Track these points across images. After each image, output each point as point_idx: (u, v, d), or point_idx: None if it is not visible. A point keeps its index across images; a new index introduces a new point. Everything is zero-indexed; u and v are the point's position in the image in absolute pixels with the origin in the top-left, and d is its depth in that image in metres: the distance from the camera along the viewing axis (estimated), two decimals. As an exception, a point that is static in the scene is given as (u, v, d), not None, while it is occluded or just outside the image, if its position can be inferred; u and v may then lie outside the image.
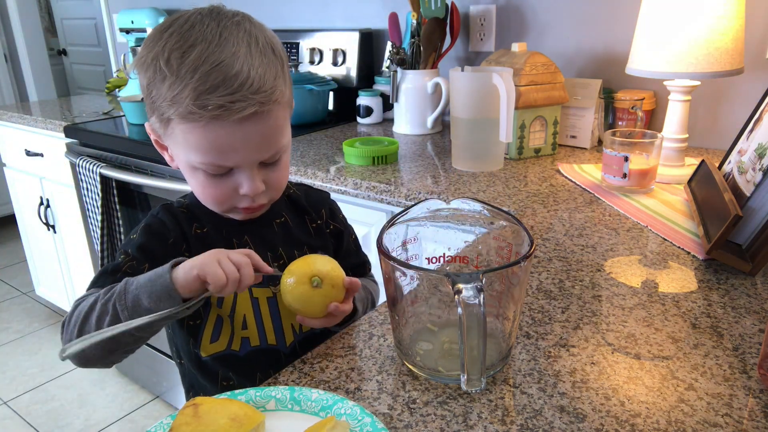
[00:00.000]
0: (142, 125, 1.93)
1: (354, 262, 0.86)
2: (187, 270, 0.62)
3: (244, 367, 0.77)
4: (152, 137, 0.71)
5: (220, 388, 0.78)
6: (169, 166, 0.73)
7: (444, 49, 1.70)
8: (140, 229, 0.73)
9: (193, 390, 0.82)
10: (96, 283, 0.70)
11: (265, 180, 0.69)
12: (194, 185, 0.70)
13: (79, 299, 0.67)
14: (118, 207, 1.81)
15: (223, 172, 0.67)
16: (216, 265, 0.61)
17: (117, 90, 2.62)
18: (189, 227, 0.75)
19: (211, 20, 0.63)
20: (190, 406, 0.50)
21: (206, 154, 0.64)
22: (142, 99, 0.71)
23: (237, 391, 0.56)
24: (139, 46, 2.37)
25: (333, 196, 1.29)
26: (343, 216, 0.88)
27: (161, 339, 1.91)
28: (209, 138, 0.63)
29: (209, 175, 0.67)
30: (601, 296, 0.74)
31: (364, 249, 1.30)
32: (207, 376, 0.78)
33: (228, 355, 0.76)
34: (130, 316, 0.62)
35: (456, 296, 0.50)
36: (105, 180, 1.76)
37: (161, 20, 2.36)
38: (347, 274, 0.71)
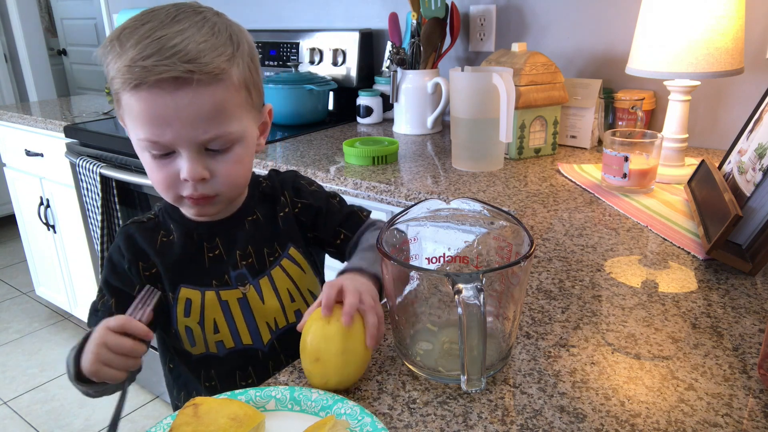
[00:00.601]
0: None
1: (339, 219, 0.82)
2: (89, 373, 0.64)
3: (225, 367, 0.77)
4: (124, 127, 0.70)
5: (204, 389, 0.78)
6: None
7: (444, 49, 1.70)
8: (105, 261, 0.76)
9: (185, 390, 0.82)
10: (89, 323, 0.74)
11: (212, 170, 0.66)
12: (146, 171, 0.69)
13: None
14: (118, 207, 1.81)
15: (165, 153, 0.65)
16: (106, 369, 0.62)
17: (117, 90, 2.62)
18: (151, 241, 0.74)
19: (174, 7, 0.65)
20: (190, 406, 0.51)
21: (144, 126, 0.63)
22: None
23: (237, 391, 0.56)
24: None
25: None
26: (316, 187, 0.83)
27: (161, 339, 1.91)
28: (144, 107, 0.62)
29: (154, 158, 0.66)
30: (601, 296, 0.74)
31: (364, 249, 1.30)
32: (196, 376, 0.79)
33: (209, 356, 0.77)
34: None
35: (456, 296, 0.50)
36: (105, 180, 1.76)
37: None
38: (337, 234, 0.77)
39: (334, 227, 0.81)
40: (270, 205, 0.79)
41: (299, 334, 0.62)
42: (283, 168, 1.36)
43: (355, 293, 0.59)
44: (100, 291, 0.75)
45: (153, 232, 0.75)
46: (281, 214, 0.79)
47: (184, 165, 0.65)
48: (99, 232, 1.84)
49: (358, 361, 0.57)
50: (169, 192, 0.68)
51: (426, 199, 0.67)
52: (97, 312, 0.74)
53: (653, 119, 1.47)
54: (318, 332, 0.57)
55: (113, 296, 0.74)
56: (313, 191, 0.83)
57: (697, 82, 1.16)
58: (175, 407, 0.85)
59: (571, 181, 1.20)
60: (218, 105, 0.64)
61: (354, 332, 0.57)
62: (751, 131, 0.93)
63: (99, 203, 1.79)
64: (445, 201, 0.67)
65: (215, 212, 0.73)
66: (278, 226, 0.79)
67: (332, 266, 1.27)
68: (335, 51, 1.94)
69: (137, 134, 0.65)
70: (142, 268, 0.74)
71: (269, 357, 0.78)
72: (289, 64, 1.94)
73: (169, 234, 0.75)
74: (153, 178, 0.68)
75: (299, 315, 0.79)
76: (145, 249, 0.74)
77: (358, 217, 0.83)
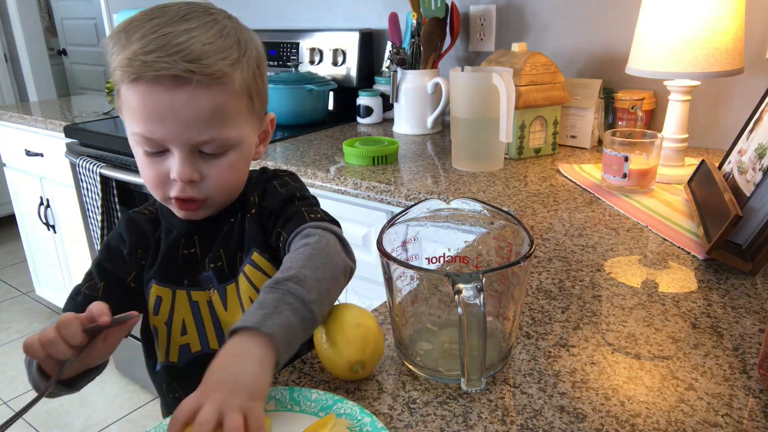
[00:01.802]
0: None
1: (283, 219, 0.70)
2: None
3: (187, 376, 0.72)
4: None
5: (169, 401, 0.76)
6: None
7: (444, 49, 1.70)
8: (102, 245, 0.74)
9: (172, 396, 0.77)
10: (67, 305, 0.69)
11: (203, 173, 0.64)
12: (139, 167, 0.67)
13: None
14: (118, 207, 1.81)
15: (157, 150, 0.64)
16: (33, 347, 0.55)
17: (117, 90, 2.62)
18: (151, 231, 0.73)
19: (187, 6, 0.63)
20: None
21: (139, 121, 0.62)
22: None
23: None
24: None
25: (333, 196, 1.31)
26: (287, 188, 0.74)
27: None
28: (140, 102, 0.61)
29: (147, 155, 0.64)
30: (601, 296, 0.74)
31: (363, 249, 1.30)
32: (159, 387, 0.77)
33: (169, 366, 0.74)
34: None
35: (456, 296, 0.50)
36: (105, 180, 1.76)
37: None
38: (277, 235, 0.69)
39: (276, 228, 0.71)
40: (245, 210, 0.74)
41: None
42: (283, 168, 1.36)
43: (212, 412, 0.44)
44: (88, 275, 0.72)
45: (153, 225, 0.74)
46: (248, 215, 0.73)
47: (174, 165, 0.63)
48: (99, 232, 1.84)
49: None
50: (158, 191, 0.66)
51: (426, 199, 0.67)
52: (78, 295, 0.70)
53: (653, 119, 1.47)
54: None
55: (103, 280, 0.71)
56: (279, 192, 0.73)
57: (697, 82, 1.16)
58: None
59: (571, 181, 1.20)
60: (216, 108, 0.62)
61: None
62: (751, 131, 0.93)
63: (99, 203, 1.79)
64: (445, 201, 0.67)
65: (201, 216, 0.71)
66: (245, 230, 0.73)
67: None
68: (335, 51, 1.94)
69: (132, 128, 0.63)
70: (140, 256, 0.73)
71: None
72: (289, 64, 1.94)
73: (159, 230, 0.74)
74: (144, 174, 0.66)
75: None
76: (147, 237, 0.73)
77: (302, 217, 0.69)
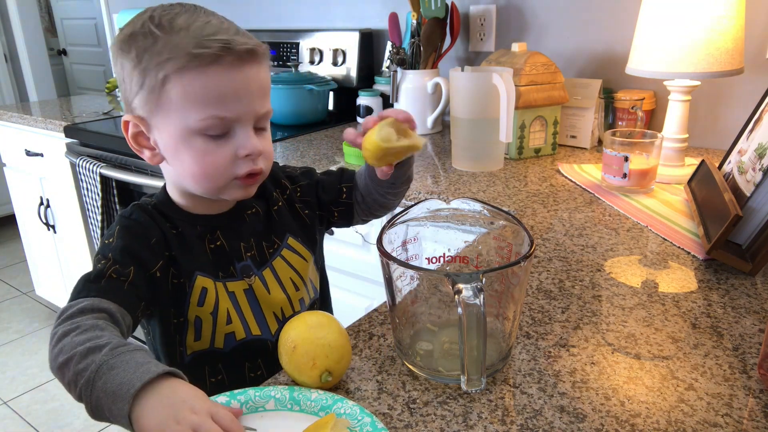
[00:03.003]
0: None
1: (335, 177, 0.85)
2: (144, 426, 0.49)
3: (232, 360, 0.76)
4: (131, 132, 0.68)
5: (209, 385, 0.76)
6: (149, 165, 0.72)
7: (444, 49, 1.70)
8: (117, 232, 0.70)
9: None
10: (80, 293, 0.64)
11: (261, 147, 0.68)
12: (190, 160, 0.66)
13: (64, 317, 0.60)
14: (118, 207, 1.81)
15: (223, 132, 0.65)
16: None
17: (117, 90, 2.62)
18: (165, 226, 0.72)
19: (180, 5, 0.67)
20: None
21: (207, 105, 0.63)
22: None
23: (236, 391, 0.56)
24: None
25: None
26: (300, 168, 0.86)
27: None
28: (211, 85, 0.62)
29: (209, 139, 0.65)
30: (601, 296, 0.74)
31: (363, 249, 1.30)
32: (193, 375, 0.77)
33: (212, 352, 0.75)
34: (89, 408, 0.52)
35: (456, 296, 0.50)
36: (105, 180, 1.76)
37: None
38: (340, 191, 0.82)
39: (335, 187, 0.84)
40: (263, 200, 0.79)
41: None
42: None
43: None
44: (107, 259, 0.66)
45: (163, 220, 0.73)
46: (275, 207, 0.79)
47: (245, 141, 0.66)
48: (99, 232, 1.84)
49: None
50: (224, 174, 0.67)
51: (426, 199, 0.67)
52: (101, 279, 0.64)
53: (653, 119, 1.47)
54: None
55: (132, 265, 0.66)
56: (303, 172, 0.85)
57: (697, 82, 1.16)
58: None
59: (571, 181, 1.20)
60: (268, 81, 0.68)
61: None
62: (751, 131, 0.93)
63: (99, 203, 1.79)
64: (445, 201, 0.67)
65: (253, 192, 0.73)
66: (274, 219, 0.79)
67: (333, 267, 1.26)
68: (335, 51, 1.94)
69: (192, 118, 0.63)
70: (164, 246, 0.71)
71: (275, 348, 0.73)
72: (289, 64, 1.94)
73: (175, 226, 0.73)
74: (207, 161, 0.66)
75: (303, 304, 0.80)
76: (165, 232, 0.72)
77: (349, 171, 0.86)
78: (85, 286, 0.65)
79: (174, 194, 0.74)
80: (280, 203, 0.80)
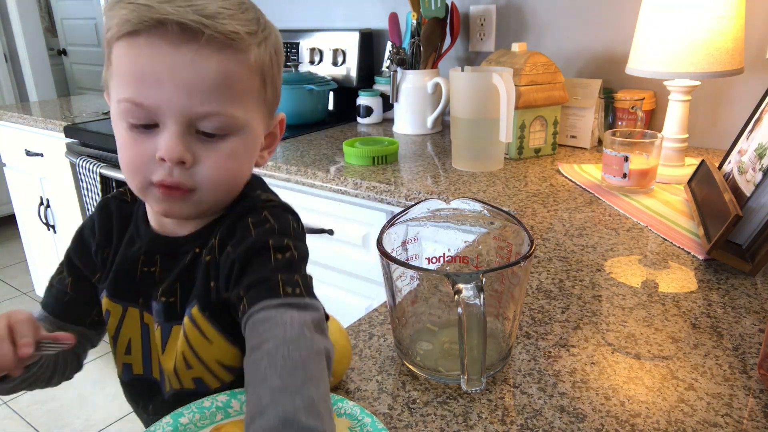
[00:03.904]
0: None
1: (251, 279, 0.53)
2: None
3: (129, 391, 0.67)
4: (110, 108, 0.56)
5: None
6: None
7: (444, 49, 1.70)
8: (75, 232, 0.64)
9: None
10: (44, 300, 0.65)
11: (198, 156, 0.53)
12: (118, 147, 0.55)
13: None
14: (118, 207, 1.81)
15: (144, 123, 0.52)
16: None
17: (117, 90, 2.62)
18: (119, 230, 0.62)
19: None
20: None
21: (129, 83, 0.51)
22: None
23: (236, 391, 0.56)
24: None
25: (333, 196, 1.31)
26: (262, 231, 0.55)
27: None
28: (134, 59, 0.51)
29: (131, 128, 0.53)
30: (601, 296, 0.74)
31: (363, 249, 1.30)
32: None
33: (119, 378, 0.67)
34: None
35: (456, 296, 0.50)
36: (105, 180, 1.76)
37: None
38: (239, 299, 0.52)
39: (238, 289, 0.53)
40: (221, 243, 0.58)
41: (192, 399, 0.55)
42: (283, 168, 1.36)
43: None
44: (60, 265, 0.65)
45: (124, 221, 0.62)
46: (207, 257, 0.57)
47: (163, 140, 0.51)
48: (99, 232, 1.83)
49: None
50: (138, 175, 0.54)
51: (426, 199, 0.67)
52: (52, 288, 0.64)
53: (653, 119, 1.47)
54: None
55: (71, 275, 0.64)
56: (248, 236, 0.55)
57: (697, 82, 1.16)
58: None
59: (571, 181, 1.20)
60: (225, 77, 0.52)
61: None
62: (751, 131, 0.93)
63: (99, 203, 1.79)
64: (445, 201, 0.67)
65: (185, 214, 0.57)
66: (196, 272, 0.58)
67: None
68: (335, 51, 1.94)
69: (118, 94, 0.52)
70: (104, 256, 0.62)
71: (171, 404, 0.60)
72: (289, 64, 1.94)
73: (124, 228, 0.63)
74: (123, 155, 0.54)
75: (200, 383, 0.59)
76: (114, 233, 0.62)
77: (273, 290, 0.51)
78: (46, 294, 0.64)
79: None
80: (209, 258, 0.57)
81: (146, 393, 0.64)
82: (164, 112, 0.51)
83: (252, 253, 0.54)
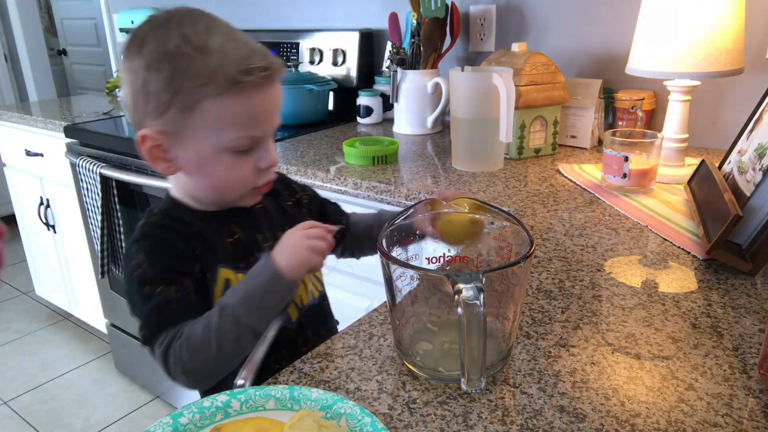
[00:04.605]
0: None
1: (337, 208, 0.94)
2: (295, 273, 0.68)
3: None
4: (147, 145, 0.69)
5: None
6: (149, 165, 0.72)
7: (444, 49, 1.70)
8: (143, 259, 0.69)
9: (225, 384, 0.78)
10: (160, 328, 0.68)
11: None
12: (216, 174, 0.70)
13: (171, 354, 0.66)
14: (118, 207, 1.81)
15: (249, 147, 0.69)
16: (315, 256, 0.69)
17: (117, 90, 2.62)
18: (182, 228, 0.73)
19: (193, 11, 0.69)
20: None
21: (242, 126, 0.67)
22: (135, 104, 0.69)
23: (236, 390, 0.56)
24: (139, 46, 2.37)
25: (333, 196, 1.31)
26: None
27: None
28: (248, 107, 0.66)
29: (236, 155, 0.69)
30: (601, 296, 0.74)
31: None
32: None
33: None
34: (253, 336, 0.68)
35: (456, 296, 0.50)
36: (105, 180, 1.76)
37: (161, 20, 2.37)
38: (338, 221, 0.87)
39: (335, 216, 0.92)
40: (272, 197, 0.82)
41: (322, 311, 0.84)
42: (283, 168, 1.36)
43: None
44: (156, 284, 0.68)
45: (176, 222, 0.74)
46: (288, 203, 0.84)
47: (267, 155, 0.71)
48: (99, 232, 1.84)
49: None
50: (247, 185, 0.72)
51: (426, 199, 0.67)
52: (170, 304, 0.68)
53: (653, 119, 1.47)
54: None
55: (185, 278, 0.70)
56: (307, 186, 0.93)
57: (697, 82, 1.16)
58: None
59: (571, 181, 1.20)
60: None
61: None
62: (751, 131, 0.93)
63: (99, 203, 1.79)
64: (445, 201, 0.67)
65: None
66: (287, 213, 0.83)
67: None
68: (335, 51, 1.94)
69: (227, 137, 0.67)
70: (188, 248, 0.72)
71: (298, 335, 0.80)
72: (289, 64, 1.94)
73: (191, 225, 0.74)
74: (233, 176, 0.70)
75: (313, 296, 0.83)
76: (184, 232, 0.73)
77: (341, 209, 0.96)
78: (160, 320, 0.68)
79: (184, 198, 0.75)
80: (289, 202, 0.84)
81: (274, 344, 0.74)
82: (268, 133, 0.71)
83: (319, 196, 0.92)
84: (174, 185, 0.76)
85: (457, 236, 0.68)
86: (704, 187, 0.99)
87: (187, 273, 0.71)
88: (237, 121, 0.67)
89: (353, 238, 0.93)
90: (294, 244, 0.69)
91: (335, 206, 0.94)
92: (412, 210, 0.66)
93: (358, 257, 0.97)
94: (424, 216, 0.68)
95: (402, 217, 0.65)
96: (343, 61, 1.92)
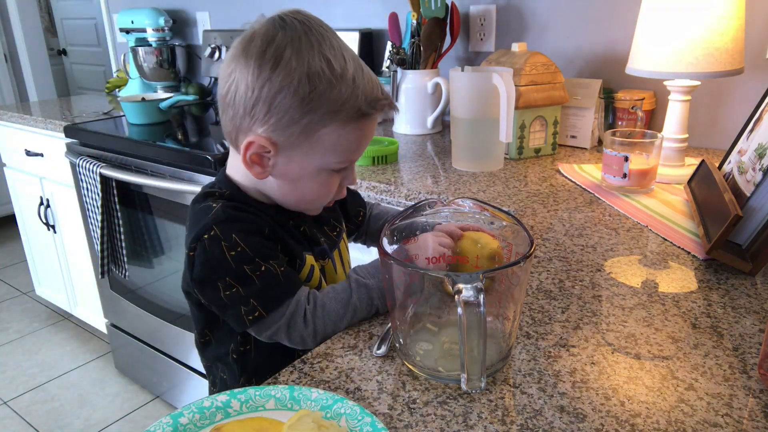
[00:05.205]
0: (142, 125, 1.93)
1: (357, 199, 0.99)
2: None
3: None
4: (251, 151, 0.69)
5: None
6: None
7: (444, 49, 1.70)
8: (242, 235, 0.70)
9: (256, 375, 0.80)
10: (279, 300, 0.70)
11: None
12: (310, 189, 0.74)
13: (300, 320, 0.70)
14: (118, 207, 1.81)
15: (343, 168, 0.73)
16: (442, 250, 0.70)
17: (117, 90, 2.62)
18: (261, 213, 0.75)
19: (313, 20, 0.73)
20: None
21: (349, 151, 0.71)
22: (228, 111, 0.70)
23: (236, 390, 0.56)
24: (139, 46, 2.37)
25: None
26: None
27: (164, 341, 1.91)
28: (360, 135, 0.71)
29: (332, 174, 0.73)
30: (601, 296, 0.74)
31: (364, 249, 1.31)
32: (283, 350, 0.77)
33: None
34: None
35: (456, 296, 0.50)
36: (105, 180, 1.76)
37: (161, 20, 2.36)
38: (357, 213, 0.96)
39: (355, 208, 0.97)
40: None
41: None
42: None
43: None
44: (265, 262, 0.70)
45: (253, 207, 0.75)
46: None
47: (352, 174, 0.76)
48: (99, 232, 1.83)
49: None
50: (328, 199, 0.77)
51: (426, 199, 0.67)
52: (292, 282, 0.72)
53: (653, 119, 1.47)
54: None
55: (279, 255, 0.73)
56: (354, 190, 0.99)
57: (697, 82, 1.16)
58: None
59: (571, 181, 1.20)
60: None
61: None
62: (751, 131, 0.93)
63: (99, 203, 1.79)
64: (445, 201, 0.67)
65: None
66: (333, 208, 0.87)
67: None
68: (335, 51, 1.93)
69: (333, 158, 0.71)
70: (273, 230, 0.74)
71: None
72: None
73: (263, 212, 0.75)
74: (324, 191, 0.75)
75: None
76: (261, 216, 0.74)
77: (363, 199, 1.01)
78: (277, 291, 0.70)
79: (252, 193, 0.76)
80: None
81: None
82: (358, 158, 0.75)
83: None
84: (241, 177, 0.76)
85: (472, 260, 0.68)
86: (704, 187, 0.99)
87: (277, 253, 0.73)
88: (348, 147, 0.71)
89: (369, 229, 0.99)
90: (432, 248, 0.70)
91: (355, 196, 0.98)
92: (411, 210, 0.66)
93: (368, 246, 1.02)
94: (447, 222, 0.70)
95: (402, 217, 0.65)
96: (343, 61, 1.92)
